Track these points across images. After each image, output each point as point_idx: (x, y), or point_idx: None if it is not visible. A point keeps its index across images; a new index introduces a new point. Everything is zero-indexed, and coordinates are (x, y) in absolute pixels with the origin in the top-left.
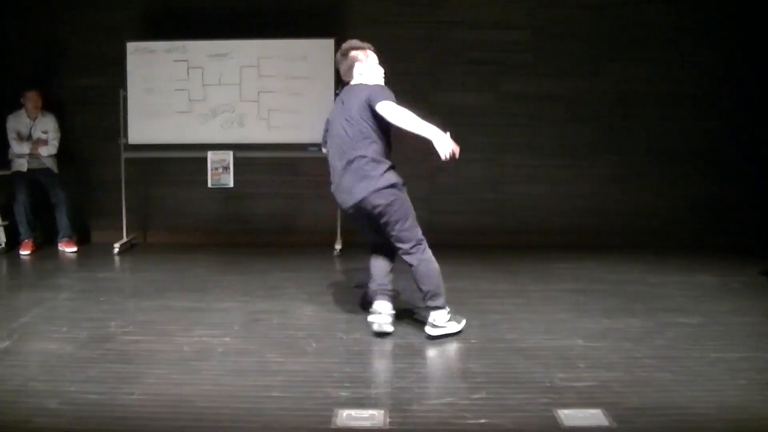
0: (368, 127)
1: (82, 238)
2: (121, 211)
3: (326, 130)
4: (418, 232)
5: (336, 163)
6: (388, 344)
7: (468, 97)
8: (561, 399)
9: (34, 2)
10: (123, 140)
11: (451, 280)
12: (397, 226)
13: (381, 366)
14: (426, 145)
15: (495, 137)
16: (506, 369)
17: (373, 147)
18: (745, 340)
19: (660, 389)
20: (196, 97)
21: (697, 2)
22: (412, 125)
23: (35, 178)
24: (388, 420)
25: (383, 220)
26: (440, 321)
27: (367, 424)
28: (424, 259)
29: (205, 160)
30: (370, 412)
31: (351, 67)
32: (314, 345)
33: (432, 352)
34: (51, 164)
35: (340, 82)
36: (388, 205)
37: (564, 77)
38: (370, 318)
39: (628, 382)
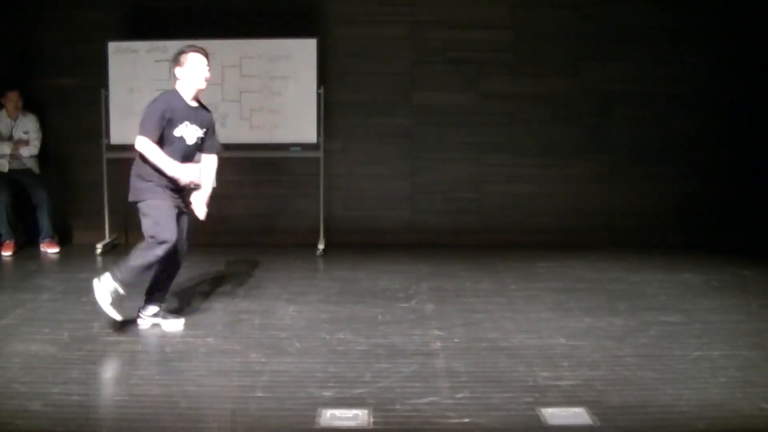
0: None
1: (63, 239)
2: (103, 211)
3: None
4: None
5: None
6: (371, 344)
7: (449, 97)
8: (544, 398)
9: (14, 2)
10: (105, 140)
11: (434, 280)
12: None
13: (364, 366)
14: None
15: (476, 137)
16: (489, 368)
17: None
18: (727, 338)
19: (643, 387)
20: None
21: (677, 1)
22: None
23: (16, 179)
24: (371, 419)
25: None
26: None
27: (350, 423)
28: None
29: None
30: (354, 411)
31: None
32: (297, 345)
33: (415, 352)
34: (32, 165)
35: (323, 81)
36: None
37: (545, 77)
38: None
39: (610, 380)
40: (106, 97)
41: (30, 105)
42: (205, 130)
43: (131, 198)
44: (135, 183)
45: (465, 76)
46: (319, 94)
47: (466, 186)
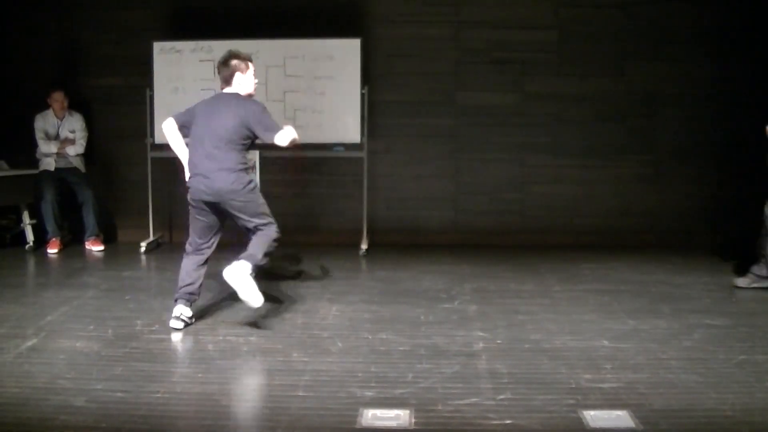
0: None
1: (108, 237)
2: (148, 210)
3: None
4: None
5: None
6: (413, 345)
7: (492, 97)
8: (586, 400)
9: (60, 3)
10: (149, 140)
11: (476, 281)
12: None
13: (406, 366)
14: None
15: (519, 137)
16: (532, 370)
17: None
18: None
19: (686, 391)
20: None
21: (722, 2)
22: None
23: (63, 177)
24: (413, 420)
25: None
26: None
27: (392, 423)
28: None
29: None
30: (396, 412)
31: (231, 76)
32: (339, 345)
33: (457, 353)
34: (78, 163)
35: (366, 81)
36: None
37: (589, 77)
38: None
39: (654, 383)
40: (151, 97)
41: (76, 104)
42: None
43: (239, 186)
44: (241, 175)
45: (509, 77)
46: (362, 94)
47: (509, 186)
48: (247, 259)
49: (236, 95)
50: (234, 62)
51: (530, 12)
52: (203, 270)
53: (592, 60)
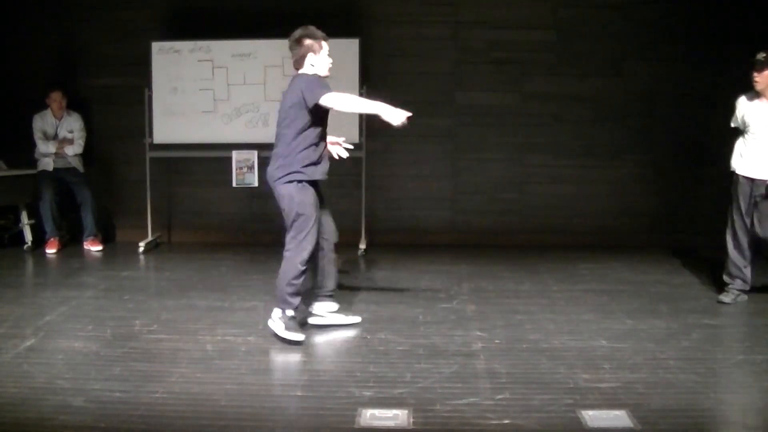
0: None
1: (107, 237)
2: (146, 210)
3: None
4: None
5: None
6: (411, 344)
7: (491, 97)
8: (585, 400)
9: (59, 3)
10: (148, 140)
11: (475, 280)
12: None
13: (405, 366)
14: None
15: (518, 137)
16: (530, 369)
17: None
18: None
19: (685, 391)
20: (220, 97)
21: (719, 2)
22: (359, 107)
23: (61, 177)
24: (411, 420)
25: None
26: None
27: (390, 423)
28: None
29: (229, 159)
30: (394, 411)
31: (303, 57)
32: (338, 344)
33: (456, 353)
34: (77, 163)
35: (365, 81)
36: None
37: (587, 77)
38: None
39: (652, 383)
40: (150, 97)
41: (74, 104)
42: None
43: (281, 173)
44: (288, 161)
45: (507, 77)
46: (361, 94)
47: (508, 186)
48: (277, 304)
49: (304, 75)
50: (307, 42)
51: (529, 12)
52: (324, 261)
53: (590, 60)
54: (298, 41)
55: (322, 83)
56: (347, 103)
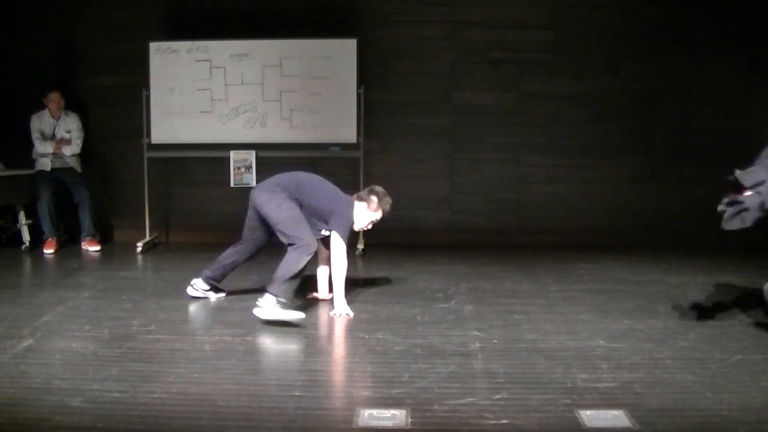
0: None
1: (104, 237)
2: (144, 210)
3: None
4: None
5: None
6: (409, 344)
7: (489, 97)
8: (582, 400)
9: (57, 3)
10: (146, 140)
11: (473, 280)
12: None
13: (402, 366)
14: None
15: (516, 137)
16: (528, 369)
17: None
18: None
19: (682, 390)
20: (218, 97)
21: (717, 2)
22: (337, 273)
23: (59, 178)
24: (409, 420)
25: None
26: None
27: (388, 423)
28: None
29: (227, 159)
30: (392, 411)
31: (364, 200)
32: (336, 345)
33: (453, 353)
34: (74, 164)
35: (362, 81)
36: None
37: (585, 77)
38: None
39: (650, 383)
40: (148, 97)
41: (72, 104)
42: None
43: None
44: None
45: (505, 77)
46: (358, 94)
47: (505, 186)
48: (271, 290)
49: (349, 210)
50: (375, 198)
51: (526, 12)
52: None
53: (588, 60)
54: (374, 191)
55: (348, 230)
56: (338, 261)
